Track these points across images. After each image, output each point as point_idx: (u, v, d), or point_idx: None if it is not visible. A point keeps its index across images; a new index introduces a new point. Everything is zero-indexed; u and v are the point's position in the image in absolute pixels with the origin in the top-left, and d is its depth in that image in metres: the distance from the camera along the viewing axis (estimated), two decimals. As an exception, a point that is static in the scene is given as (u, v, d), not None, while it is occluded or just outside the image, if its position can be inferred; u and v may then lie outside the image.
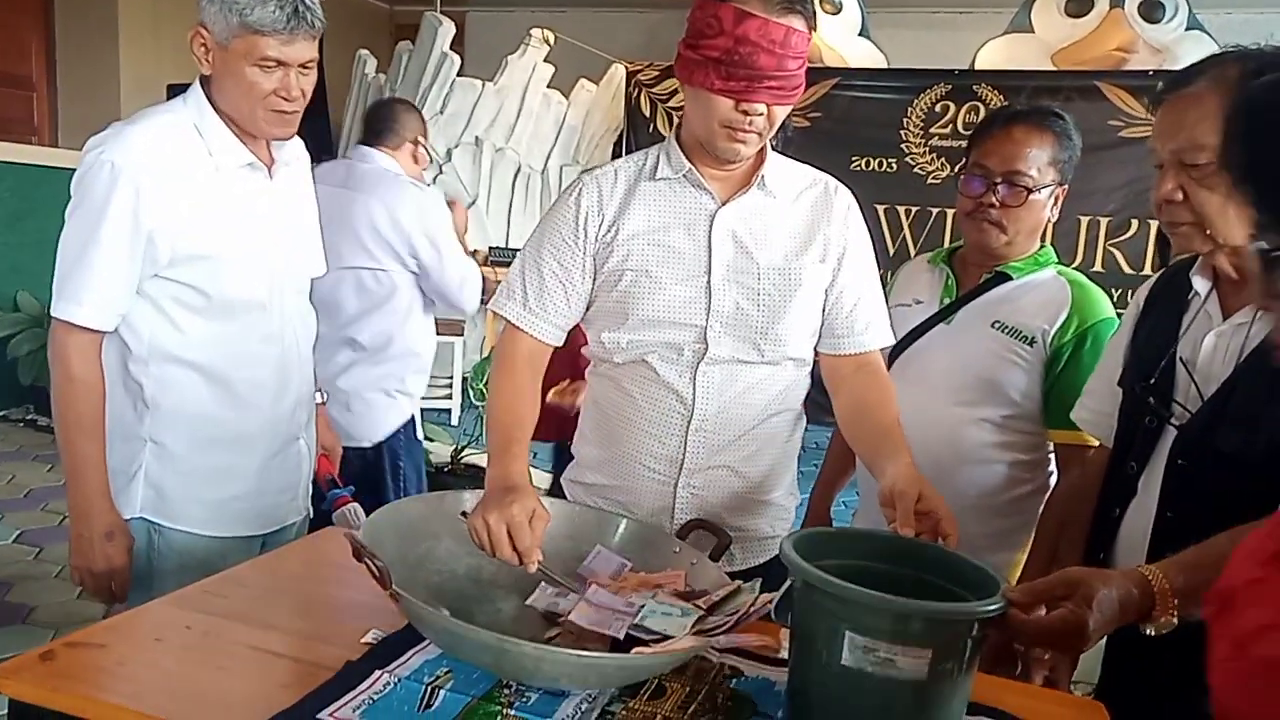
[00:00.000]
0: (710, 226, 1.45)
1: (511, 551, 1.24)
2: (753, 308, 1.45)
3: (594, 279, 1.49)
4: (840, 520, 2.23)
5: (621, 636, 1.16)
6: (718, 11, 1.31)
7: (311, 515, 1.90)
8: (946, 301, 1.82)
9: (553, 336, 1.51)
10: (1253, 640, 0.66)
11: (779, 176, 1.48)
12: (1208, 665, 0.72)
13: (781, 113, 1.39)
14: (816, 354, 1.53)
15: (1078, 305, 1.72)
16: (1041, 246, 1.81)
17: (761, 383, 1.49)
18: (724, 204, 1.46)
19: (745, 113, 1.35)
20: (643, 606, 1.21)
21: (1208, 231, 1.25)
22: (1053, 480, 1.80)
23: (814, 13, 1.36)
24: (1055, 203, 1.77)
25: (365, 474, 2.67)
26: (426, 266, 2.61)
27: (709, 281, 1.44)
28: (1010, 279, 1.77)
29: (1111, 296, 1.83)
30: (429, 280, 2.64)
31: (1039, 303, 1.74)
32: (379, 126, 2.71)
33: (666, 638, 1.14)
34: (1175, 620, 1.01)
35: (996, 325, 1.75)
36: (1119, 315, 1.76)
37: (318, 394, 1.92)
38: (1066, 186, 1.78)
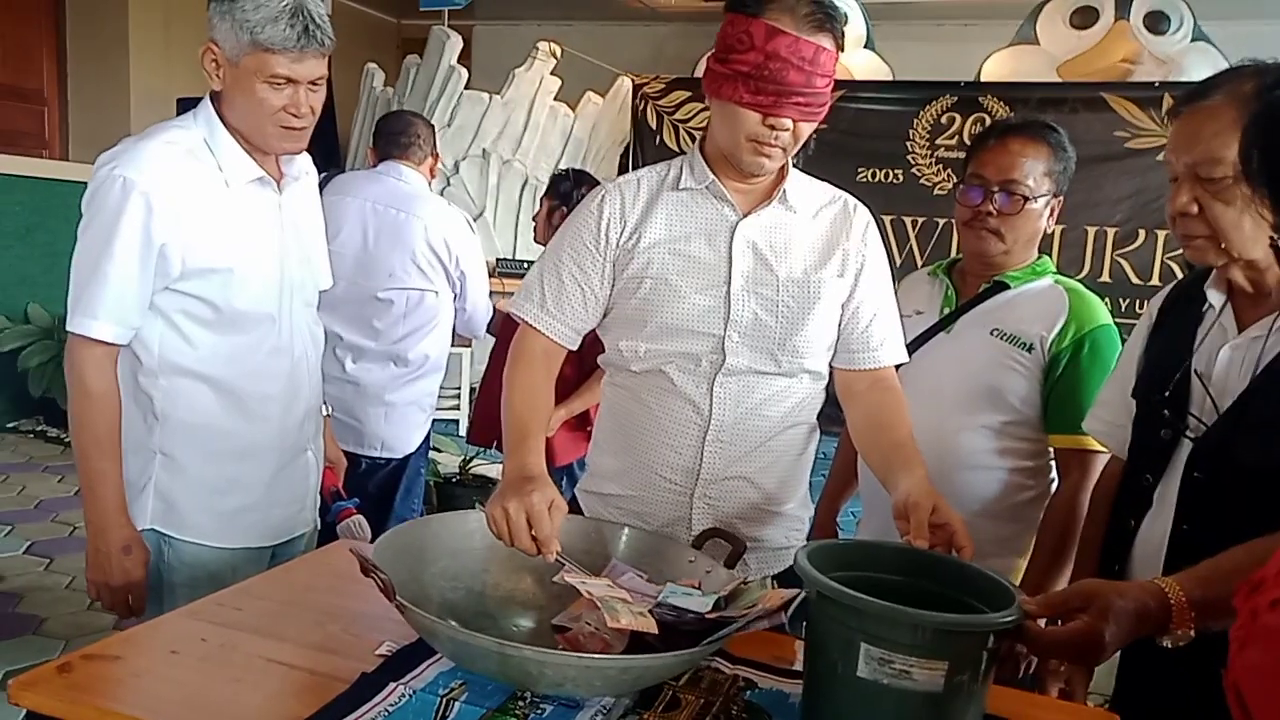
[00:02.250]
0: (731, 237, 1.46)
1: (530, 540, 1.24)
2: (771, 319, 1.45)
3: (613, 285, 1.50)
4: (845, 531, 2.22)
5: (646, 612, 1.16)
6: (749, 27, 1.33)
7: (319, 527, 1.91)
8: (946, 311, 1.83)
9: (567, 339, 1.52)
10: (1264, 612, 0.69)
11: (800, 192, 1.50)
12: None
13: (807, 129, 1.40)
14: (831, 368, 1.54)
15: (1075, 312, 1.73)
16: (1039, 257, 1.83)
17: (778, 395, 1.49)
18: (745, 216, 1.47)
19: (772, 127, 1.37)
20: (662, 589, 1.24)
21: (1222, 245, 1.25)
22: (1054, 486, 1.80)
23: (843, 33, 1.38)
24: (1051, 214, 1.80)
25: (391, 484, 2.74)
26: (467, 290, 2.76)
27: (728, 291, 1.45)
28: (1008, 288, 1.79)
29: (1119, 306, 1.84)
30: (464, 302, 2.78)
31: (1036, 310, 1.75)
32: (405, 140, 2.76)
33: (689, 612, 1.16)
34: (1192, 633, 1.00)
35: (995, 333, 1.76)
36: (1119, 324, 1.77)
37: (324, 406, 1.92)
38: (1062, 198, 1.81)
